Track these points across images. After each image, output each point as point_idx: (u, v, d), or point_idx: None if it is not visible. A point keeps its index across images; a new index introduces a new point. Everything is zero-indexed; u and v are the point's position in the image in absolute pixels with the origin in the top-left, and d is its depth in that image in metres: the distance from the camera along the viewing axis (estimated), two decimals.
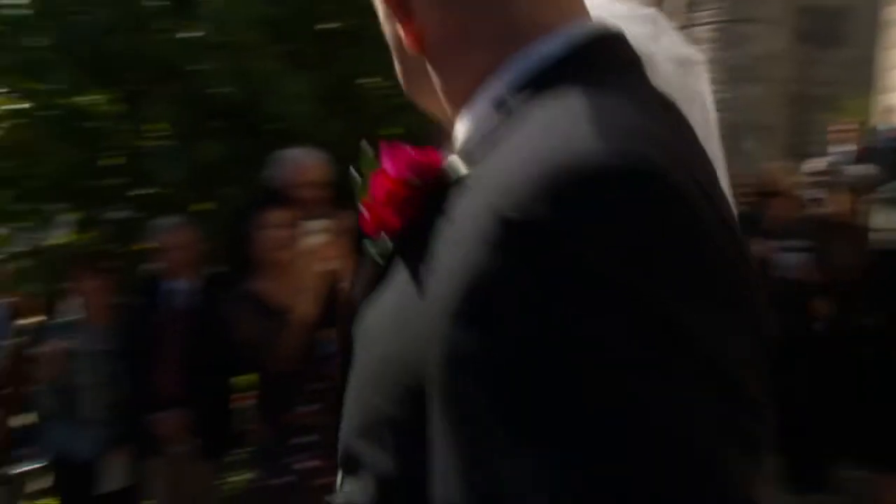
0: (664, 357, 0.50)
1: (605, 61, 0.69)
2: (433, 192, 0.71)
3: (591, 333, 0.49)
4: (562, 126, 0.57)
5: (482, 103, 0.72)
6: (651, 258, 0.51)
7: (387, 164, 0.77)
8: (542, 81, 0.67)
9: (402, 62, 0.81)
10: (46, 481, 4.57)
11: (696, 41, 9.97)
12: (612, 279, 0.50)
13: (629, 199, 0.51)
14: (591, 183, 0.51)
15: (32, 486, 5.10)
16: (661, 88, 0.75)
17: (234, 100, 4.28)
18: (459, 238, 0.55)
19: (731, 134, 9.75)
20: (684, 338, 0.51)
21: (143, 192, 4.71)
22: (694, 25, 9.95)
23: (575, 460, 0.48)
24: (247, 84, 4.26)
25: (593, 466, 0.48)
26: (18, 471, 4.88)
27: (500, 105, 0.69)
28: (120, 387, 3.89)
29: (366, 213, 0.78)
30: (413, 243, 0.68)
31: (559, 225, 0.51)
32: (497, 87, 0.71)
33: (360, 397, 0.72)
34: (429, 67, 0.77)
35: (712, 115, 1.43)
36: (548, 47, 0.69)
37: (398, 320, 0.68)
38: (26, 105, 4.47)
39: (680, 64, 1.40)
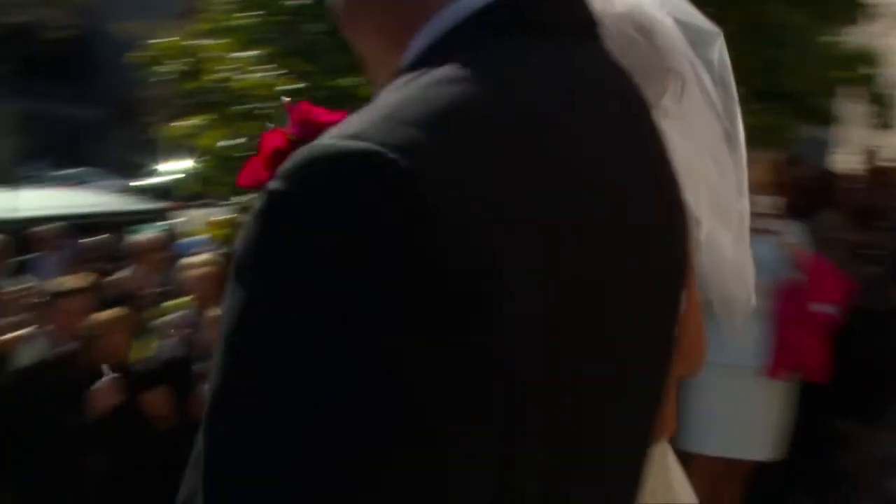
0: (326, 358, 0.48)
1: (514, 23, 0.63)
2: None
3: (266, 316, 0.49)
4: (375, 104, 0.55)
5: (407, 56, 0.65)
6: (340, 251, 0.49)
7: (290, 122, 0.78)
8: (446, 44, 0.62)
9: None
10: None
11: None
12: (301, 267, 0.49)
13: (340, 185, 0.49)
14: (316, 165, 0.50)
15: None
16: (592, 56, 0.68)
17: None
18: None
19: None
20: (358, 345, 0.48)
21: None
22: None
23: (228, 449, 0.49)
24: None
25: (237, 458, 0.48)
26: None
27: (414, 63, 0.63)
28: None
29: (247, 166, 0.80)
30: None
31: (281, 201, 0.51)
32: (420, 43, 0.64)
33: None
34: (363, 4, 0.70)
35: (730, 83, 1.36)
36: (468, 3, 0.63)
37: None
38: (301, 85, 4.89)
39: (690, 33, 1.37)
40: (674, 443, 3.59)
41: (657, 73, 1.33)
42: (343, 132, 0.51)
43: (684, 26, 1.34)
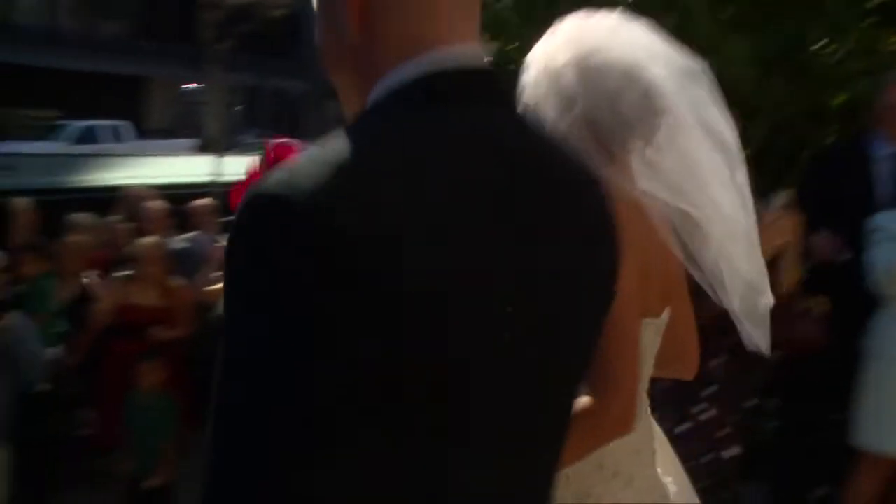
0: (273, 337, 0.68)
1: (432, 97, 0.79)
2: None
3: (227, 305, 0.70)
4: (315, 149, 0.74)
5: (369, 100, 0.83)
6: (257, 264, 0.69)
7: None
8: (375, 107, 0.80)
9: (336, 31, 0.85)
10: None
11: None
12: (237, 270, 0.71)
13: (257, 217, 0.70)
14: (250, 201, 0.70)
15: None
16: (491, 123, 0.80)
17: None
18: None
19: None
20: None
21: None
22: None
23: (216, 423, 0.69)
24: (688, 46, 4.27)
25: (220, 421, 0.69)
26: None
27: (362, 114, 0.82)
28: None
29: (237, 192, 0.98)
30: None
31: (233, 227, 0.72)
32: (375, 95, 0.81)
33: None
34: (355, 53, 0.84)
35: (718, 119, 1.49)
36: (403, 73, 0.80)
37: None
38: None
39: (680, 73, 1.48)
40: (847, 438, 3.42)
41: (646, 117, 1.46)
42: (278, 174, 0.71)
43: (671, 67, 1.44)
